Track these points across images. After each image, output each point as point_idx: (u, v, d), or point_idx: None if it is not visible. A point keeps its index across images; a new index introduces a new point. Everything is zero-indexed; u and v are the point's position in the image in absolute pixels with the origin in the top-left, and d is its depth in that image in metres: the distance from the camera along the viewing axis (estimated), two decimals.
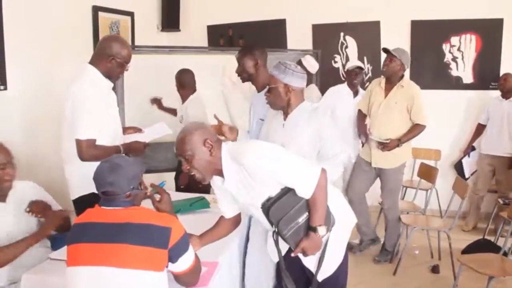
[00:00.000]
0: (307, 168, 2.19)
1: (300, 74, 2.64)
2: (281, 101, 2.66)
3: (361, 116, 4.48)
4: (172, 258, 1.88)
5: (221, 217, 2.43)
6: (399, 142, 4.05)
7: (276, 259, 2.40)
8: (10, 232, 2.41)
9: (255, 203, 2.21)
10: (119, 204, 1.92)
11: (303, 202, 2.20)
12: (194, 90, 4.25)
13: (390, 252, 4.32)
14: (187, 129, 2.18)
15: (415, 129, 4.09)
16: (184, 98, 4.25)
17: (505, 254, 3.42)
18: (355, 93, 4.73)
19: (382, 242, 4.46)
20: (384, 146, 4.06)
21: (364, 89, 4.74)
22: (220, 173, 2.20)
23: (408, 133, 4.08)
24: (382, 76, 4.25)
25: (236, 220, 2.45)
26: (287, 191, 2.18)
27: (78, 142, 2.63)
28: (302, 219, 2.21)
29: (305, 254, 2.25)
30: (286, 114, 2.73)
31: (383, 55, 5.56)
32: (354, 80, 4.67)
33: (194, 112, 4.05)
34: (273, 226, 2.21)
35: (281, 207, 2.17)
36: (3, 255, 2.26)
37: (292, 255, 2.26)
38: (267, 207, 2.17)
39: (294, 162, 2.20)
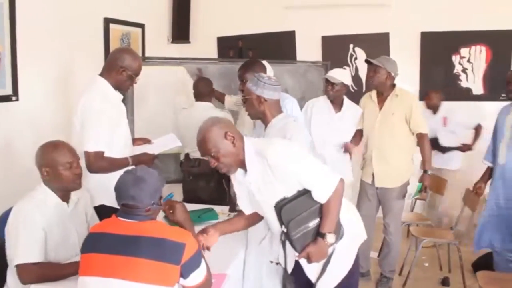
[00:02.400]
0: (328, 173, 2.22)
1: (273, 86, 2.71)
2: (255, 111, 2.75)
3: (358, 134, 4.18)
4: (184, 274, 1.87)
5: (240, 211, 2.47)
6: (427, 171, 3.87)
7: (283, 265, 2.39)
8: (66, 236, 2.40)
9: (270, 201, 2.22)
10: (137, 218, 1.92)
11: (316, 207, 2.21)
12: (211, 98, 4.22)
13: (391, 279, 4.10)
14: (205, 128, 2.19)
15: (424, 143, 3.85)
16: None
17: None
18: (337, 107, 4.14)
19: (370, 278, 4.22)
20: (425, 190, 3.92)
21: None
22: (242, 164, 2.23)
23: (424, 155, 3.87)
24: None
25: (254, 218, 2.46)
26: (303, 194, 2.20)
27: (86, 154, 2.65)
28: (313, 224, 2.21)
29: (309, 260, 2.24)
30: (265, 125, 2.80)
31: None
32: (329, 91, 4.03)
33: None
34: (283, 226, 2.21)
35: (294, 208, 2.18)
36: (50, 272, 2.22)
37: (296, 258, 2.27)
38: (281, 206, 2.18)
39: (316, 165, 2.23)
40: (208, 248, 2.25)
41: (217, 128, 2.17)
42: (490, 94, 5.46)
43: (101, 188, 2.69)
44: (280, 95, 2.81)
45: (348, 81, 4.08)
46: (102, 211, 2.63)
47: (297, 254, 2.25)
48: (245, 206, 2.43)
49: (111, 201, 2.57)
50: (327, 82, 4.02)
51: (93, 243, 1.91)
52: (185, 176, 4.23)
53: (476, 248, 3.84)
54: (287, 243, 2.25)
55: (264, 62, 3.48)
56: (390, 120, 3.84)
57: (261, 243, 2.71)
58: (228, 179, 3.76)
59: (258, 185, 2.24)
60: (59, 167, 2.33)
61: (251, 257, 2.77)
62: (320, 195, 2.18)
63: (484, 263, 3.99)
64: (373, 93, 4.00)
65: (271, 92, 2.71)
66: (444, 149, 5.06)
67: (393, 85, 3.93)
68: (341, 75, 4.01)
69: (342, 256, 2.36)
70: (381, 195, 3.99)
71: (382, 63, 3.82)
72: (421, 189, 3.89)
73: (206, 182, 4.06)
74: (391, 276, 4.11)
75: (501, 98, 5.36)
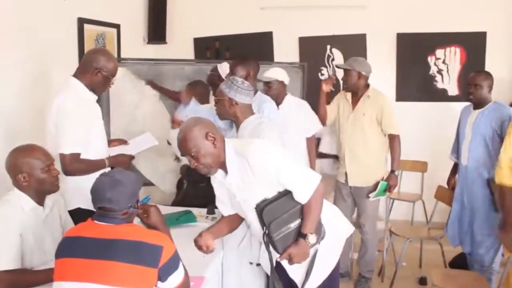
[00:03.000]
0: (308, 173, 2.23)
1: (246, 90, 2.76)
2: (226, 113, 2.80)
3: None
4: (162, 277, 1.85)
5: (223, 217, 2.47)
6: (394, 171, 3.92)
7: (268, 269, 2.38)
8: (41, 241, 2.35)
9: (251, 202, 2.22)
10: (113, 221, 1.90)
11: (297, 208, 2.22)
12: (206, 101, 4.20)
13: (369, 279, 4.14)
14: (187, 127, 2.19)
15: (395, 144, 3.90)
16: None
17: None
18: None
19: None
20: (389, 190, 3.93)
21: None
22: (223, 166, 2.24)
23: (392, 155, 3.92)
24: None
25: (236, 220, 2.46)
26: (283, 195, 2.21)
27: (62, 156, 2.61)
28: (294, 225, 2.22)
29: (291, 261, 2.24)
30: (237, 127, 2.85)
31: None
32: (268, 92, 3.87)
33: None
34: (264, 228, 2.21)
35: (275, 209, 2.19)
36: (22, 279, 2.17)
37: (278, 259, 2.26)
38: (262, 207, 2.19)
39: (296, 165, 2.24)
40: (211, 248, 2.27)
41: (199, 128, 2.17)
42: (464, 95, 5.51)
43: (77, 191, 2.66)
44: (252, 99, 2.85)
45: (283, 78, 4.00)
46: (78, 215, 2.58)
47: (278, 255, 2.24)
48: (224, 207, 2.43)
49: (87, 204, 2.53)
50: (263, 84, 3.96)
51: (68, 247, 1.87)
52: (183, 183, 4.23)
53: (454, 244, 3.93)
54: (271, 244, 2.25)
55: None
56: (361, 120, 3.91)
57: (239, 245, 2.69)
58: None
59: (238, 186, 2.24)
60: (36, 171, 2.29)
61: (229, 259, 2.76)
62: (301, 196, 2.18)
63: (460, 262, 4.04)
64: (348, 93, 4.05)
65: (243, 96, 2.75)
66: None
67: (367, 86, 3.97)
68: (274, 73, 3.99)
69: (326, 257, 2.37)
70: (355, 194, 4.04)
71: (351, 65, 3.89)
72: (386, 189, 3.92)
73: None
74: (369, 276, 4.14)
75: None
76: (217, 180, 2.33)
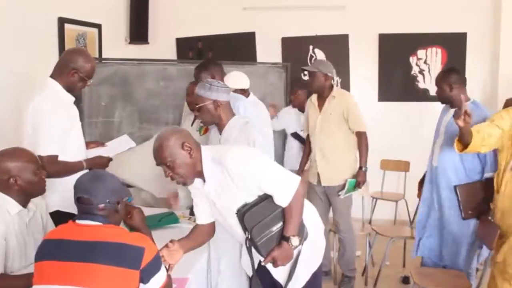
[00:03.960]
0: (287, 175, 2.22)
1: (225, 88, 2.77)
2: (212, 117, 2.77)
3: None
4: (144, 279, 1.83)
5: (196, 226, 2.42)
6: (362, 168, 3.94)
7: (250, 272, 2.39)
8: (24, 245, 2.32)
9: (231, 208, 2.21)
10: (93, 218, 1.88)
11: (279, 211, 2.21)
12: None
13: (352, 278, 4.16)
14: (163, 136, 2.17)
15: (362, 141, 3.95)
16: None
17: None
18: None
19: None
20: (358, 186, 3.94)
21: None
22: (200, 175, 2.22)
23: (361, 152, 3.95)
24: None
25: (211, 229, 2.44)
26: (264, 199, 2.20)
27: (39, 158, 2.57)
28: (276, 228, 2.22)
29: (275, 264, 2.24)
30: (220, 130, 2.83)
31: (352, 67, 5.72)
32: None
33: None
34: (247, 232, 2.20)
35: (256, 213, 2.18)
36: (2, 284, 2.14)
37: (263, 263, 2.26)
38: (243, 212, 2.17)
39: (275, 169, 2.23)
40: (170, 267, 2.20)
41: (175, 138, 2.14)
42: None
43: (55, 193, 2.63)
44: (230, 97, 2.85)
45: (244, 85, 3.72)
46: (57, 217, 2.56)
47: (261, 258, 2.25)
48: (202, 215, 2.39)
49: (65, 206, 2.53)
50: None
51: (48, 250, 1.85)
52: None
53: (414, 254, 3.72)
54: (253, 249, 2.24)
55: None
56: (329, 120, 3.98)
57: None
58: None
59: (217, 193, 2.23)
60: (27, 174, 2.27)
61: (214, 260, 2.77)
62: (281, 199, 2.18)
63: None
64: (314, 96, 4.14)
65: (224, 94, 2.76)
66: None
67: (332, 86, 4.05)
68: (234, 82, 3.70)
69: (309, 256, 2.38)
70: (328, 193, 4.08)
71: (317, 68, 3.97)
72: (355, 185, 3.96)
73: None
74: (352, 275, 4.17)
75: None
76: (195, 187, 2.31)
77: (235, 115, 2.86)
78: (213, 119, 2.79)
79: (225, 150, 2.23)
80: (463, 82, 3.44)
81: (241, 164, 2.14)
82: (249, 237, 2.19)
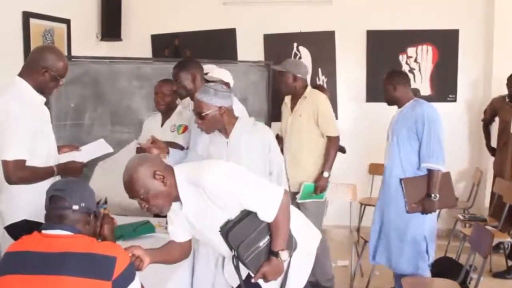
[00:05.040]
0: (269, 189, 2.22)
1: (228, 93, 2.76)
2: (218, 124, 2.76)
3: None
4: None
5: (171, 242, 2.36)
6: (324, 174, 3.92)
7: (235, 284, 2.38)
8: None
9: (214, 226, 2.19)
10: (63, 227, 1.86)
11: (264, 224, 2.21)
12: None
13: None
14: (131, 168, 2.12)
15: (330, 146, 3.95)
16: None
17: (464, 282, 3.50)
18: None
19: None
20: (317, 190, 3.95)
21: None
22: (177, 199, 2.20)
23: (326, 157, 3.95)
24: None
25: (186, 249, 2.40)
26: (247, 214, 2.19)
27: (5, 163, 2.53)
28: (263, 243, 2.22)
29: (266, 279, 2.25)
30: (226, 133, 2.82)
31: (339, 66, 5.75)
32: None
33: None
34: (233, 250, 2.20)
35: (241, 230, 2.17)
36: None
37: (253, 280, 2.26)
38: (226, 230, 2.16)
39: (255, 182, 2.22)
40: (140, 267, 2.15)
41: (144, 168, 2.11)
42: (437, 95, 5.69)
43: (22, 201, 2.59)
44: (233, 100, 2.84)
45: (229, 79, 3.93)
46: (24, 227, 2.52)
47: (252, 275, 2.25)
48: (177, 232, 2.34)
49: (33, 215, 2.49)
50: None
51: (11, 263, 1.82)
52: None
53: (372, 260, 3.84)
54: (240, 265, 2.25)
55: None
56: (298, 121, 4.00)
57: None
58: None
59: (197, 215, 2.21)
60: None
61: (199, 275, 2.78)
62: (266, 215, 2.18)
63: (435, 268, 4.11)
64: (288, 97, 4.18)
65: (229, 100, 2.75)
66: None
67: (305, 87, 4.07)
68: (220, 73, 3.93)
69: (300, 267, 2.39)
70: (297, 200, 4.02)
71: (286, 68, 4.00)
72: (314, 191, 3.95)
73: None
74: (329, 285, 4.16)
75: (448, 99, 5.64)
76: (172, 210, 2.27)
77: (238, 117, 2.86)
78: (217, 126, 2.77)
79: (200, 169, 2.20)
80: (407, 82, 3.71)
81: (219, 184, 2.13)
82: (236, 254, 2.20)
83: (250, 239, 2.18)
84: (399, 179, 3.56)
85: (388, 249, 3.69)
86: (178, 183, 2.16)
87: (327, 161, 3.96)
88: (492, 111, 5.23)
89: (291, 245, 2.28)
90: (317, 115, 3.93)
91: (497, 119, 5.21)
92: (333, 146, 3.98)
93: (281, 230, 2.20)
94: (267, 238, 2.22)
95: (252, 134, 2.79)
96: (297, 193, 3.97)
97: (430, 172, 3.50)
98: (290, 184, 3.90)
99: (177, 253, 2.37)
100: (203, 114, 2.68)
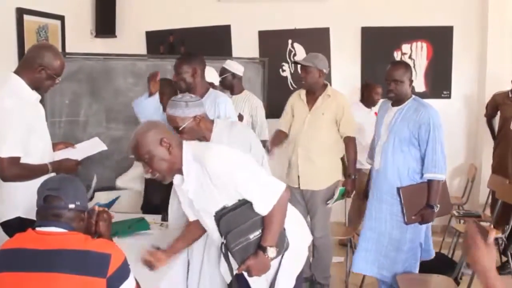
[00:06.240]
0: (270, 182, 2.24)
1: (198, 101, 2.76)
2: (197, 133, 2.73)
3: (280, 134, 4.14)
4: None
5: (190, 223, 2.48)
6: (351, 175, 3.94)
7: (228, 279, 2.39)
8: None
9: (210, 210, 2.22)
10: (57, 224, 1.86)
11: (258, 218, 2.22)
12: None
13: (326, 285, 4.15)
14: (140, 131, 2.21)
15: (351, 147, 3.93)
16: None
17: (456, 278, 3.47)
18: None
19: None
20: (348, 195, 3.97)
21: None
22: (180, 172, 2.26)
23: (349, 159, 3.94)
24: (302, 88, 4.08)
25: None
26: (244, 203, 2.21)
27: None
28: (253, 236, 2.22)
29: (250, 274, 2.25)
30: (206, 140, 2.79)
31: (334, 63, 5.76)
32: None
33: None
34: (223, 237, 2.21)
35: (233, 218, 2.19)
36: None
37: (236, 271, 2.28)
38: (220, 216, 2.19)
39: (257, 173, 2.24)
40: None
41: (152, 134, 2.19)
42: (432, 91, 5.71)
43: (17, 198, 2.60)
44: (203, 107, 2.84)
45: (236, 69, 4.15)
46: (18, 225, 2.52)
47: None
48: (189, 212, 2.44)
49: (27, 213, 2.49)
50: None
51: (5, 261, 1.82)
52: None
53: (354, 269, 3.72)
54: (229, 254, 2.25)
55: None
56: (320, 120, 3.92)
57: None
58: None
59: (197, 193, 2.25)
60: None
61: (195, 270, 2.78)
62: (261, 207, 2.19)
63: (428, 265, 4.13)
64: (302, 92, 4.06)
65: (202, 108, 2.75)
66: None
67: (325, 84, 4.01)
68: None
69: (290, 269, 2.39)
70: (307, 198, 4.03)
71: (313, 62, 3.89)
72: (344, 194, 3.96)
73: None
74: (326, 283, 4.17)
75: (442, 95, 5.66)
76: (177, 184, 2.33)
77: (214, 120, 2.86)
78: (198, 135, 2.74)
79: (208, 148, 2.27)
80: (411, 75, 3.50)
81: (221, 166, 2.16)
82: (224, 242, 2.21)
83: (241, 229, 2.19)
84: (396, 188, 3.38)
85: (378, 259, 3.52)
86: (184, 156, 2.22)
87: (352, 163, 3.95)
88: (493, 106, 5.18)
89: (282, 244, 2.28)
90: (342, 115, 3.89)
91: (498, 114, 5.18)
92: (353, 146, 3.95)
93: (273, 225, 2.21)
94: (258, 232, 2.22)
95: (231, 135, 2.76)
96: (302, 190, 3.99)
97: (431, 182, 3.33)
98: (301, 182, 3.98)
99: (198, 231, 2.47)
100: (180, 128, 2.67)
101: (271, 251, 2.21)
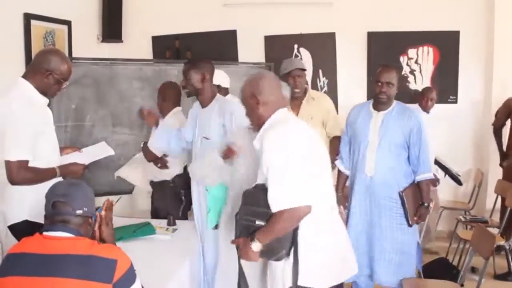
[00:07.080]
0: (296, 190, 2.20)
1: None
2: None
3: None
4: None
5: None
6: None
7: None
8: None
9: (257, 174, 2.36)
10: (65, 229, 1.87)
11: (269, 210, 2.24)
12: (177, 104, 4.16)
13: None
14: (248, 79, 2.52)
15: (338, 145, 3.78)
16: (165, 112, 4.13)
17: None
18: None
19: None
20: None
21: None
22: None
23: (333, 156, 3.75)
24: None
25: None
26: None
27: (8, 164, 2.55)
28: (258, 223, 2.27)
29: (238, 252, 2.38)
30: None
31: (340, 68, 5.75)
32: None
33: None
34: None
35: (254, 196, 2.29)
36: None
37: (230, 242, 2.42)
38: (251, 188, 2.33)
39: (293, 175, 2.22)
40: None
41: (249, 87, 2.46)
42: (438, 96, 5.66)
43: (25, 202, 2.61)
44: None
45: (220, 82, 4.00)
46: (25, 228, 2.53)
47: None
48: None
49: (34, 216, 2.50)
50: None
51: (12, 265, 1.83)
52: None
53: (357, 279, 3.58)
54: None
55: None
56: (309, 125, 3.84)
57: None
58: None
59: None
60: None
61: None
62: (271, 200, 2.21)
63: (431, 269, 4.12)
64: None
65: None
66: None
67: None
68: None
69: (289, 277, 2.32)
70: None
71: (303, 65, 3.97)
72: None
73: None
74: None
75: (449, 100, 5.64)
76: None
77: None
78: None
79: (278, 125, 2.34)
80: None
81: (268, 146, 2.25)
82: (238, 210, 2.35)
83: (253, 210, 2.28)
84: (396, 192, 3.36)
85: (380, 264, 3.44)
86: (268, 121, 2.41)
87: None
88: (506, 112, 5.07)
89: (272, 250, 2.28)
90: (328, 117, 3.90)
91: (508, 122, 5.13)
92: (339, 144, 3.84)
93: (273, 226, 2.22)
94: (264, 223, 2.26)
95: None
96: None
97: (423, 181, 3.41)
98: None
99: None
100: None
101: (255, 245, 2.26)
